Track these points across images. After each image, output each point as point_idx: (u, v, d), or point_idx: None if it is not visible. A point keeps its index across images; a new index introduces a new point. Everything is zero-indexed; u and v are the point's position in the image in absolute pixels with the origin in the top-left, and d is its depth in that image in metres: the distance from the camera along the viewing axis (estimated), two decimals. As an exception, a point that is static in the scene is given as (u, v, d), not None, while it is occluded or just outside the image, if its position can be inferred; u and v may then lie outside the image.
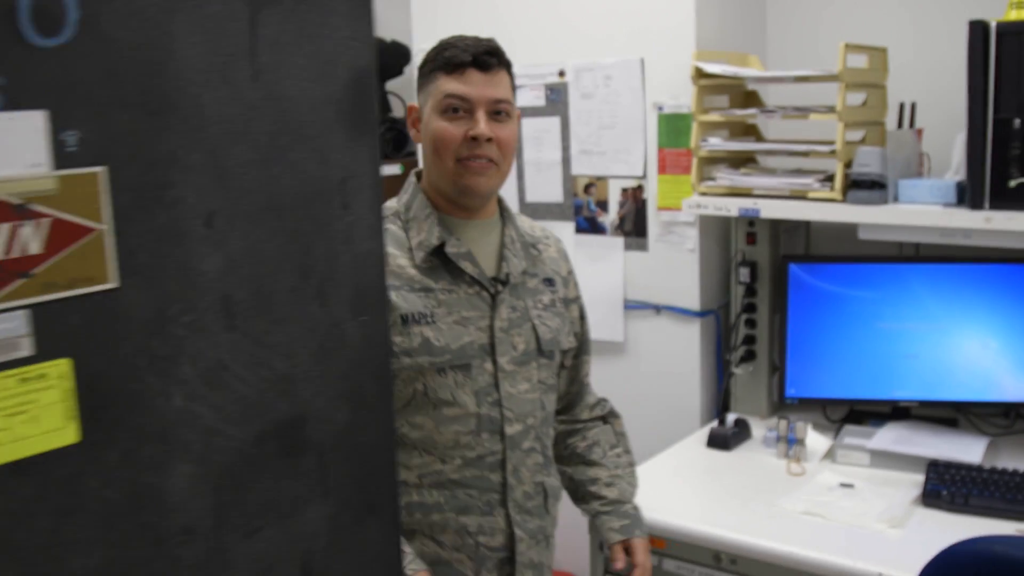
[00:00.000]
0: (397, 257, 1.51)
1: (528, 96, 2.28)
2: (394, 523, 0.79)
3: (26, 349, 0.58)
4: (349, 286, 0.73)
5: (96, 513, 0.62)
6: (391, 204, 1.58)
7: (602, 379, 1.94)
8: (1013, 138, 1.70)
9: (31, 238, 0.57)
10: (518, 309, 1.54)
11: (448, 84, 1.46)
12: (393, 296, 1.48)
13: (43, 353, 0.58)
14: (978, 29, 1.70)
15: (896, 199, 1.85)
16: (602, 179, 2.24)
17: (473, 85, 1.46)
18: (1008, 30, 1.69)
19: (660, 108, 2.12)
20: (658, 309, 2.21)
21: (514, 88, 1.53)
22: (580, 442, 1.70)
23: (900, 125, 2.01)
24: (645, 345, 2.25)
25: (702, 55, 2.01)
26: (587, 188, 2.27)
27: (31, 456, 0.58)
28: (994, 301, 1.95)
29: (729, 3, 2.17)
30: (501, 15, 2.32)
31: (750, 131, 2.12)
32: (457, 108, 1.46)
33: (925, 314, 1.97)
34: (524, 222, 1.66)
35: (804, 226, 2.22)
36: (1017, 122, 1.70)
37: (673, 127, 2.10)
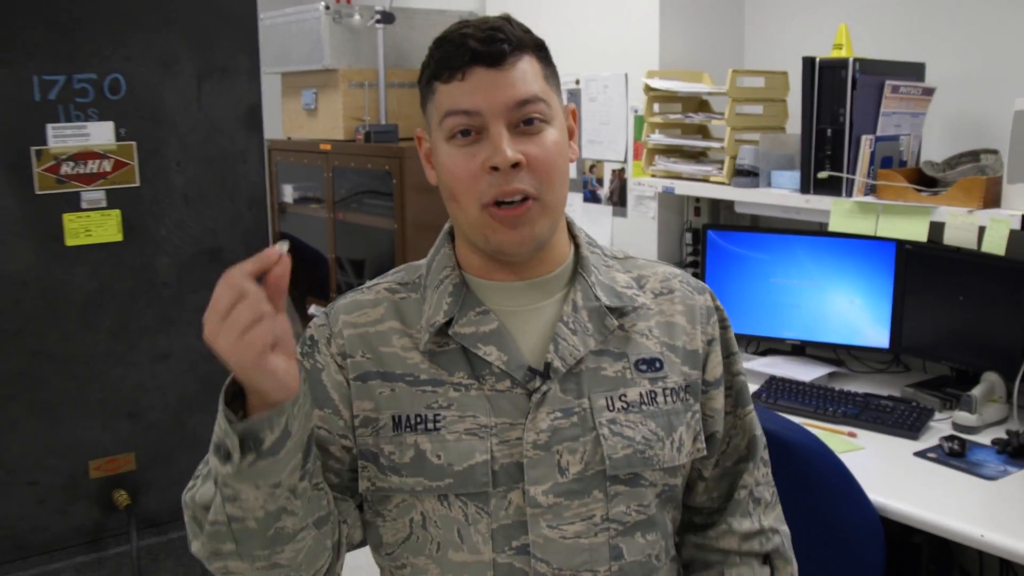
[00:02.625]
0: (401, 336, 1.23)
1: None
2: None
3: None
4: (245, 196, 1.91)
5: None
6: (421, 263, 1.32)
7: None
8: (826, 143, 2.62)
9: (105, 166, 1.80)
10: (575, 412, 1.20)
11: (447, 96, 1.15)
12: (382, 389, 1.22)
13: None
14: (808, 63, 2.63)
15: (770, 184, 2.80)
16: (599, 162, 3.31)
17: (479, 90, 1.14)
18: (828, 64, 2.61)
19: (636, 111, 3.16)
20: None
21: (552, 75, 1.22)
22: None
23: (807, 130, 2.92)
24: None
25: (655, 73, 3.02)
26: (591, 168, 3.35)
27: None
28: (856, 268, 2.83)
29: (695, 26, 3.15)
30: (540, 29, 3.44)
31: (701, 130, 3.10)
32: (467, 130, 1.15)
33: (805, 274, 2.89)
34: (614, 271, 1.29)
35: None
36: (829, 131, 2.61)
37: (643, 126, 3.13)
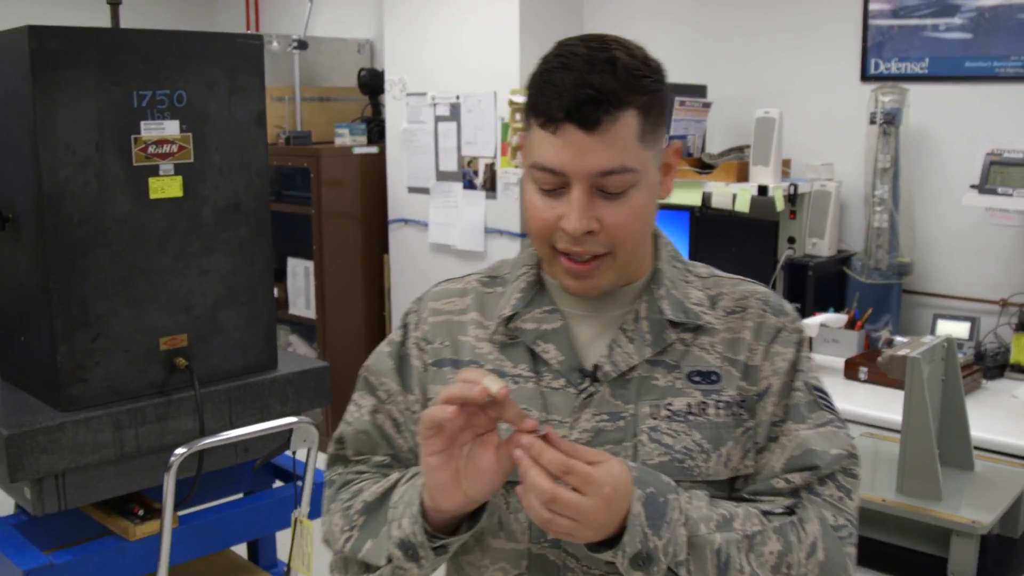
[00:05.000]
0: (478, 327, 1.43)
1: (441, 109, 4.77)
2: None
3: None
4: (255, 169, 3.21)
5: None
6: (510, 259, 1.53)
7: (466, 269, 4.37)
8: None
9: (173, 149, 3.09)
10: (622, 416, 1.33)
11: (538, 145, 1.27)
12: (451, 375, 1.40)
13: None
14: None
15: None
16: (475, 158, 4.71)
17: (568, 150, 1.23)
18: None
19: (502, 119, 4.57)
20: (500, 232, 4.65)
21: (652, 130, 1.29)
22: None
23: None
24: (493, 251, 4.71)
25: (516, 91, 4.44)
26: (469, 163, 4.74)
27: (171, 199, 3.10)
28: (665, 231, 4.30)
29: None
30: (427, 56, 4.83)
31: (551, 133, 4.52)
32: (552, 187, 1.27)
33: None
34: (692, 288, 1.42)
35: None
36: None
37: (508, 130, 4.54)
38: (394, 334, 1.56)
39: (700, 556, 1.25)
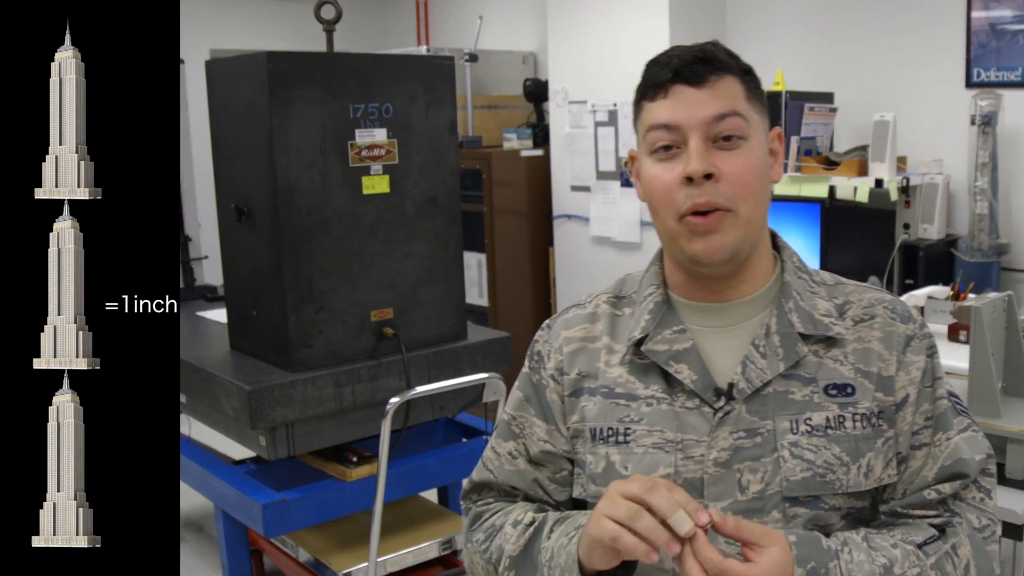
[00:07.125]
0: (610, 352, 1.44)
1: (600, 115, 5.25)
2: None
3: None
4: (448, 169, 3.74)
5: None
6: (635, 275, 1.52)
7: (626, 265, 4.80)
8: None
9: (381, 152, 3.63)
10: (759, 432, 1.33)
11: (651, 112, 1.34)
12: (586, 403, 1.42)
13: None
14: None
15: (742, 168, 4.65)
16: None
17: (680, 106, 1.30)
18: (770, 94, 4.47)
19: (655, 123, 5.03)
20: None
21: (756, 97, 1.38)
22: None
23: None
24: (649, 242, 5.16)
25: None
26: (626, 163, 5.20)
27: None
28: (797, 221, 4.68)
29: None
30: (586, 67, 5.30)
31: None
32: (668, 145, 1.31)
33: (766, 225, 4.73)
34: (818, 298, 1.41)
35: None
36: (777, 133, 4.48)
37: (660, 132, 5.00)
38: (526, 368, 1.57)
39: None
